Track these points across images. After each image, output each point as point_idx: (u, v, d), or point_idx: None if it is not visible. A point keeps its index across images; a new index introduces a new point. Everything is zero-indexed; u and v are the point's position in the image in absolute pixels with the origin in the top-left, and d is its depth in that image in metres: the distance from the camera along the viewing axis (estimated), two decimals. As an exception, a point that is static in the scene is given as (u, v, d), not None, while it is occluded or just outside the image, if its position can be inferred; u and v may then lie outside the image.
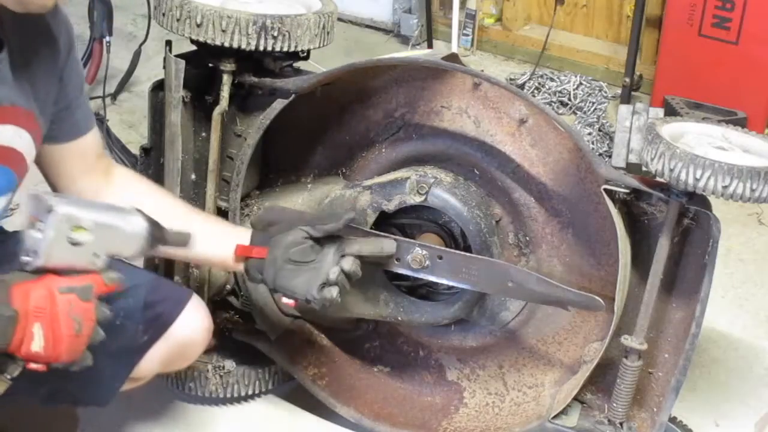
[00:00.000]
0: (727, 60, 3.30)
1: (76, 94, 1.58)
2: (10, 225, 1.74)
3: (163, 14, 1.84)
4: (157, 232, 1.43)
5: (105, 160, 1.70)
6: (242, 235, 1.70)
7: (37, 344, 1.27)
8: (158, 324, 1.66)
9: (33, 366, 1.29)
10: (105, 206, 1.41)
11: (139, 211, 1.41)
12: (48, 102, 1.51)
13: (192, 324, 1.70)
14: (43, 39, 1.47)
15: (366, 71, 1.90)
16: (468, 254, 1.81)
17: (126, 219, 1.40)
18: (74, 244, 1.31)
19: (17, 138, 1.44)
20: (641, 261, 1.78)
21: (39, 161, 1.58)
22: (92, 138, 1.65)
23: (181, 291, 1.78)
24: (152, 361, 1.66)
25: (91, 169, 1.65)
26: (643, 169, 1.69)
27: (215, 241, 1.68)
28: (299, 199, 2.00)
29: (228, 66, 1.87)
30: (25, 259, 1.30)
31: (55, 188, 1.64)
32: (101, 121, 3.18)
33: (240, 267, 1.69)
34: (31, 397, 1.53)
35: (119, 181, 1.69)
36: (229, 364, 2.02)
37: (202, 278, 1.98)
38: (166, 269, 2.01)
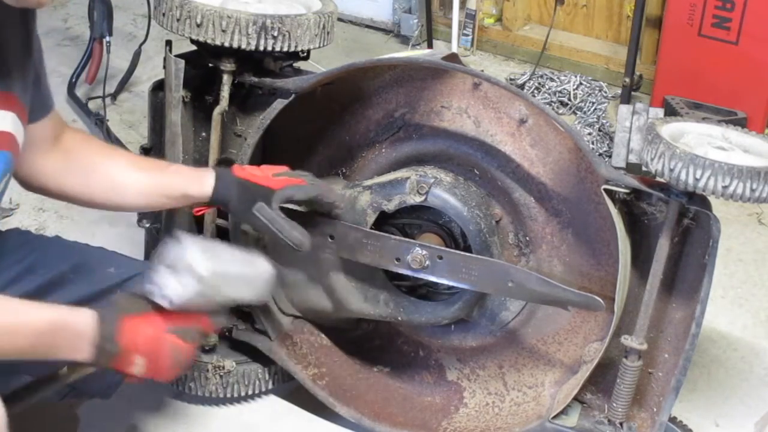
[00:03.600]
0: (727, 60, 3.30)
1: (42, 69, 1.56)
2: (8, 224, 1.75)
3: (163, 14, 1.84)
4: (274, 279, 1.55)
5: (59, 125, 1.67)
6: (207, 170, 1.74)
7: (137, 370, 1.40)
8: None
9: (130, 379, 1.42)
10: (239, 257, 1.51)
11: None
12: (27, 83, 1.50)
13: None
14: (14, 21, 1.47)
15: (366, 71, 1.90)
16: (468, 254, 1.81)
17: (255, 267, 1.51)
18: (204, 296, 1.41)
19: (9, 121, 1.45)
20: (641, 261, 1.78)
21: None
22: (55, 117, 1.63)
23: None
24: None
25: (49, 144, 1.63)
26: (643, 169, 1.69)
27: (190, 175, 1.71)
28: (299, 199, 2.00)
29: (228, 66, 1.87)
30: (153, 292, 1.38)
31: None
32: (101, 121, 3.18)
33: (208, 192, 1.69)
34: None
35: (68, 141, 1.66)
36: (229, 364, 2.01)
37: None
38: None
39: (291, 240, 1.66)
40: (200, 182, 1.70)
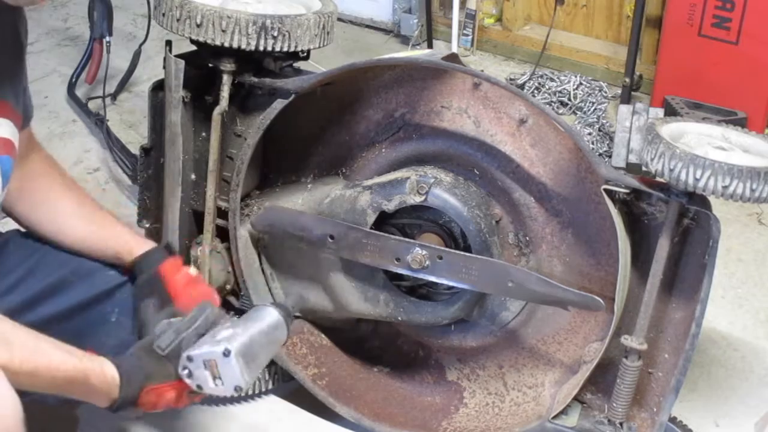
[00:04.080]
0: (727, 60, 3.29)
1: (26, 79, 1.57)
2: (8, 224, 1.75)
3: (163, 14, 1.84)
4: (288, 320, 1.58)
5: (30, 145, 1.67)
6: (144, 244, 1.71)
7: (155, 409, 1.47)
8: None
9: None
10: (265, 335, 1.52)
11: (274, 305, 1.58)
12: (19, 91, 1.51)
13: None
14: (9, 30, 1.48)
15: (366, 71, 1.90)
16: (468, 254, 1.81)
17: (276, 334, 1.55)
18: None
19: (6, 128, 1.46)
20: (641, 261, 1.78)
21: None
22: (29, 130, 1.62)
23: None
24: None
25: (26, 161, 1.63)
26: (643, 169, 1.69)
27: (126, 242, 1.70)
28: (299, 199, 2.00)
29: (228, 66, 1.87)
30: (188, 381, 1.44)
31: None
32: (101, 121, 3.18)
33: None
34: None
35: (28, 173, 1.66)
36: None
37: (202, 278, 1.98)
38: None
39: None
40: (130, 253, 1.69)
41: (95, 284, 1.66)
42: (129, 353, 1.45)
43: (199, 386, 1.45)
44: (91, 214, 1.72)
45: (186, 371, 1.43)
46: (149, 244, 1.71)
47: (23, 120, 1.56)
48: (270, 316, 1.55)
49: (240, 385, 1.44)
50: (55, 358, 1.31)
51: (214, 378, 1.43)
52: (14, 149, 1.48)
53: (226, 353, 1.41)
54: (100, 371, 1.36)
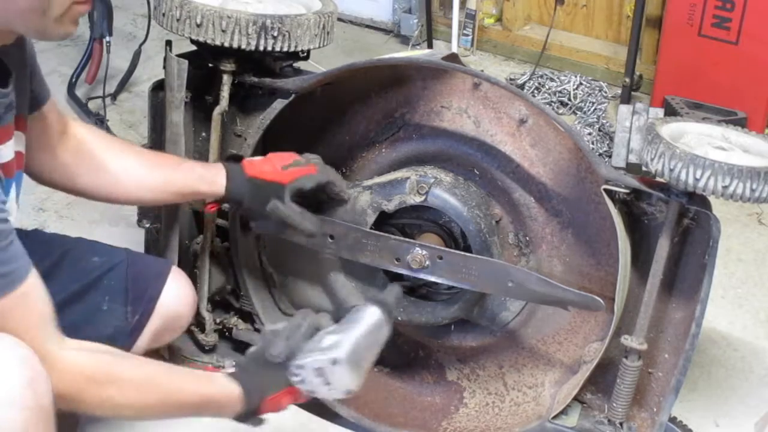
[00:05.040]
0: (727, 60, 3.30)
1: (36, 65, 1.56)
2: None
3: (163, 14, 1.84)
4: (390, 316, 1.62)
5: (65, 121, 1.67)
6: (218, 167, 1.76)
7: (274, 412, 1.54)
8: (145, 302, 1.68)
9: None
10: (371, 335, 1.56)
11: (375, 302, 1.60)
12: (26, 93, 1.51)
13: (177, 297, 1.73)
14: (25, 45, 1.47)
15: (366, 71, 1.90)
16: (468, 254, 1.81)
17: (380, 333, 1.58)
18: None
19: (21, 141, 1.47)
20: (641, 261, 1.78)
21: None
22: (51, 106, 1.61)
23: (159, 263, 1.80)
24: (142, 339, 1.68)
25: (54, 138, 1.63)
26: (643, 169, 1.69)
27: (201, 173, 1.73)
28: (299, 199, 2.00)
29: (228, 66, 1.87)
30: (301, 387, 1.50)
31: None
32: (101, 121, 3.18)
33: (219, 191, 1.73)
34: None
35: (78, 134, 1.67)
36: (229, 364, 2.01)
37: (203, 278, 1.98)
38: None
39: (304, 230, 1.80)
40: (212, 181, 1.73)
41: (82, 274, 1.65)
42: (243, 365, 1.52)
43: (311, 391, 1.50)
44: (157, 158, 1.75)
45: (298, 378, 1.48)
46: (221, 171, 1.74)
47: (36, 102, 1.55)
48: (372, 315, 1.58)
49: (351, 389, 1.50)
50: (187, 385, 1.41)
51: (326, 384, 1.48)
52: (23, 159, 1.49)
53: (335, 362, 1.46)
54: (225, 391, 1.45)
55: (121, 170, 1.68)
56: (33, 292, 1.24)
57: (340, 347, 1.47)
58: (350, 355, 1.47)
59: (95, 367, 1.30)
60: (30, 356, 1.18)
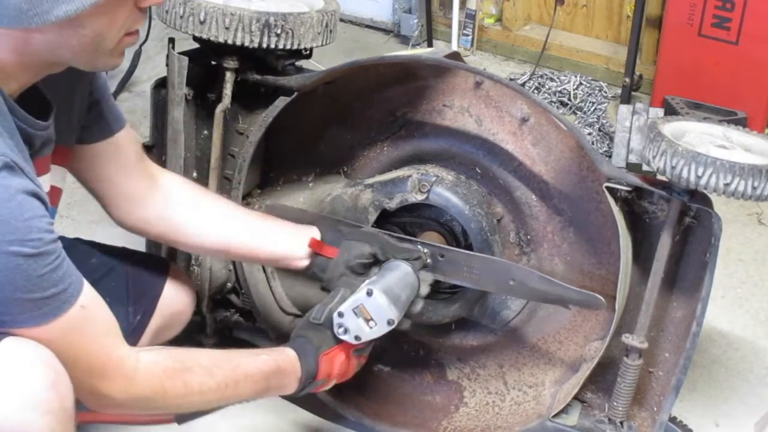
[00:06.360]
0: (727, 60, 3.30)
1: (103, 95, 1.57)
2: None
3: (167, 11, 1.84)
4: (417, 268, 1.74)
5: (149, 164, 1.69)
6: (309, 231, 1.77)
7: (328, 387, 1.65)
8: (146, 301, 1.69)
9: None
10: (403, 277, 1.70)
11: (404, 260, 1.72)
12: (77, 124, 1.50)
13: (177, 295, 1.75)
14: (78, 76, 1.45)
15: (368, 69, 1.90)
16: (469, 252, 1.81)
17: (410, 279, 1.71)
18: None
19: (59, 174, 1.46)
20: (642, 259, 1.78)
21: (73, 167, 1.55)
22: (125, 137, 1.62)
23: (158, 262, 1.81)
24: (144, 338, 1.69)
25: (131, 171, 1.63)
26: (644, 168, 1.69)
27: (283, 237, 1.75)
28: (300, 198, 2.00)
29: (231, 63, 1.87)
30: (345, 335, 1.59)
31: (94, 193, 1.63)
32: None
33: (302, 264, 1.76)
34: None
35: (167, 186, 1.68)
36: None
37: (203, 276, 1.98)
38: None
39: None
40: (299, 248, 1.76)
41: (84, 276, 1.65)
42: (292, 336, 1.61)
43: (357, 337, 1.59)
44: (248, 219, 1.77)
45: (342, 329, 1.59)
46: (302, 233, 1.77)
47: (80, 136, 1.54)
48: (400, 267, 1.71)
49: (392, 317, 1.59)
50: (250, 362, 1.45)
51: (367, 321, 1.58)
52: (60, 197, 1.49)
53: (370, 293, 1.58)
54: (283, 356, 1.52)
55: (219, 234, 1.72)
56: (91, 304, 1.25)
57: (371, 283, 1.61)
58: (383, 287, 1.58)
59: (166, 360, 1.34)
60: (51, 357, 1.17)
